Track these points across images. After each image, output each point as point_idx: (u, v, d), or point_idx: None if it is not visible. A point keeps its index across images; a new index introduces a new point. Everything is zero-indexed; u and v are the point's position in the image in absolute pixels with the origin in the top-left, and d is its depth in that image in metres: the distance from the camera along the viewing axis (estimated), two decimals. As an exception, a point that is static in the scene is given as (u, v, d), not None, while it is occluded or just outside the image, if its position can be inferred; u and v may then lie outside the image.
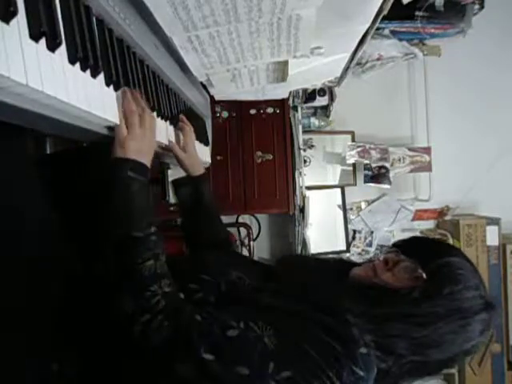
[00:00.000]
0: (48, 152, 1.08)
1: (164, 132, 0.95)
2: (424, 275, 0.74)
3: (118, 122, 0.70)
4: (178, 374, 0.62)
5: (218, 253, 0.99)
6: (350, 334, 0.65)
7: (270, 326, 0.65)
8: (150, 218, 0.70)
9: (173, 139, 1.01)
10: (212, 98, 1.54)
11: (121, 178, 0.68)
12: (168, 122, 0.99)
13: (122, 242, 0.66)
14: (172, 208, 2.16)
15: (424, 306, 0.72)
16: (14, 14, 0.44)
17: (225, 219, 2.78)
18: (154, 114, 0.89)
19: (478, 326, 0.74)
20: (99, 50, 0.65)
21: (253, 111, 2.27)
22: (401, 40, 2.52)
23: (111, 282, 0.66)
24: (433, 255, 0.77)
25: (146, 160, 0.72)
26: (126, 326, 0.64)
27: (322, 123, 2.66)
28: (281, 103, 2.25)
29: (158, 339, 0.62)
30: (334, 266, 0.89)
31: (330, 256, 2.41)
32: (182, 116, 1.07)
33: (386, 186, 2.65)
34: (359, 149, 2.62)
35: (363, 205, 2.79)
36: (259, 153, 2.30)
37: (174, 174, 1.17)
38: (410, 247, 0.82)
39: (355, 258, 2.66)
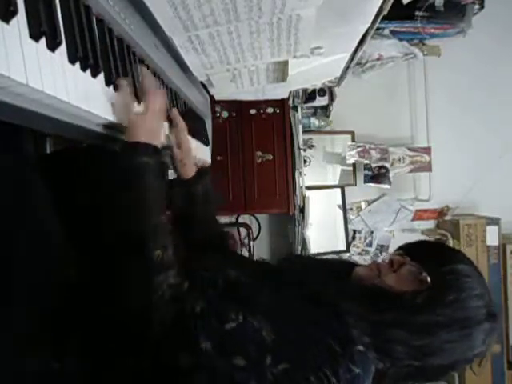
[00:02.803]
0: (48, 152, 1.08)
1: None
2: (428, 279, 0.73)
3: (120, 117, 0.69)
4: (179, 364, 0.62)
5: (216, 252, 0.99)
6: (348, 334, 0.65)
7: (268, 320, 0.65)
8: (162, 206, 0.70)
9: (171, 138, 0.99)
10: (212, 97, 1.54)
11: (135, 166, 0.67)
12: (168, 122, 0.98)
13: (133, 232, 0.65)
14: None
15: (426, 313, 0.70)
16: (14, 13, 0.44)
17: (225, 219, 2.79)
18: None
19: (480, 335, 0.72)
20: (99, 50, 0.65)
21: (253, 111, 2.27)
22: (401, 40, 2.52)
23: (116, 271, 0.66)
24: (439, 261, 0.75)
25: (159, 139, 0.74)
26: (129, 317, 0.64)
27: (322, 123, 2.66)
28: (281, 103, 2.25)
29: (160, 330, 0.63)
30: (337, 266, 0.89)
31: (332, 257, 2.41)
32: (174, 111, 1.01)
33: (386, 186, 2.65)
34: (359, 149, 2.62)
35: (363, 205, 2.79)
36: (259, 153, 2.30)
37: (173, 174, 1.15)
38: (417, 251, 0.80)
39: (355, 258, 2.66)
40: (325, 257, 1.18)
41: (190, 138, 1.07)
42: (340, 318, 0.66)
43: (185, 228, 1.06)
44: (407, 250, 0.81)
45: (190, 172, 1.01)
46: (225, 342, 0.63)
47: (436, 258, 0.77)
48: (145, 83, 0.76)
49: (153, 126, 0.72)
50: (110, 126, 0.69)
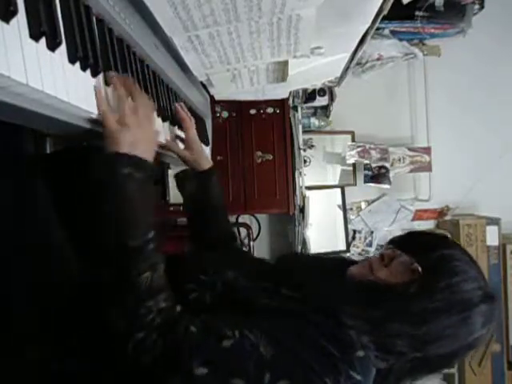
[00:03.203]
0: (48, 152, 1.08)
1: (163, 132, 0.95)
2: (419, 268, 0.73)
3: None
4: None
5: (218, 252, 0.99)
6: (347, 338, 0.64)
7: (265, 333, 0.63)
8: (149, 220, 0.65)
9: (172, 135, 1.00)
10: (212, 97, 1.54)
11: (115, 177, 0.62)
12: (168, 122, 0.99)
13: (117, 252, 0.61)
14: (172, 208, 2.16)
15: (421, 301, 0.71)
16: (14, 13, 0.44)
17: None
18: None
19: (478, 318, 0.72)
20: (99, 50, 0.65)
21: (253, 111, 2.27)
22: (401, 40, 2.52)
23: (104, 294, 0.63)
24: (429, 249, 0.76)
25: (145, 151, 0.66)
26: (119, 342, 0.61)
27: (322, 123, 2.66)
28: (281, 103, 2.25)
29: (150, 357, 0.60)
30: (334, 265, 0.89)
31: (331, 255, 2.41)
32: (179, 106, 1.01)
33: (386, 186, 2.65)
34: (359, 149, 2.62)
35: (363, 205, 2.79)
36: (259, 153, 2.30)
37: (174, 173, 1.16)
38: (405, 242, 0.81)
39: (355, 258, 2.66)
40: (323, 255, 1.18)
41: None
42: (337, 319, 0.66)
43: (200, 223, 1.07)
44: (397, 243, 0.82)
45: (204, 164, 1.04)
46: (221, 362, 0.60)
47: (425, 246, 0.77)
48: (118, 92, 0.67)
49: (138, 136, 0.65)
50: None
